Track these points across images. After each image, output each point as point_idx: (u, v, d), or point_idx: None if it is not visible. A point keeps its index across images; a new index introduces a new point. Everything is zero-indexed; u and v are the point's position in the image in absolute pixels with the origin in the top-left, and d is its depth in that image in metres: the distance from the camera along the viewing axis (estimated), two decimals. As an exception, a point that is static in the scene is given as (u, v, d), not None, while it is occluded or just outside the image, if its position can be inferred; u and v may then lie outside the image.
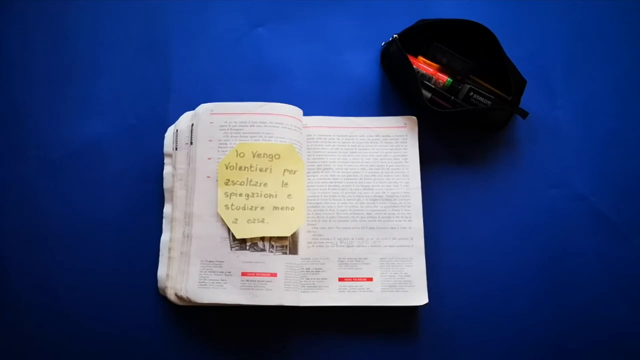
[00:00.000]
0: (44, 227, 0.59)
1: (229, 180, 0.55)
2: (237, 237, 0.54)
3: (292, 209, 0.56)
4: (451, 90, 0.61)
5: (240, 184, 0.55)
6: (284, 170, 0.56)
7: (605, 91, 0.64)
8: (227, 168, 0.55)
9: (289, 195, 0.56)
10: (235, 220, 0.55)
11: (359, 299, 0.56)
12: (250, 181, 0.56)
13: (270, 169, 0.56)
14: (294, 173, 0.57)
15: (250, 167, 0.56)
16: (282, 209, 0.56)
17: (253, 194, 0.55)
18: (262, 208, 0.55)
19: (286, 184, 0.56)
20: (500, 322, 0.58)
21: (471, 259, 0.60)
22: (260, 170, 0.56)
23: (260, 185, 0.56)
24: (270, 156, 0.56)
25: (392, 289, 0.56)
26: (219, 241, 0.55)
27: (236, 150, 0.56)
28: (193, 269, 0.54)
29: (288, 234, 0.55)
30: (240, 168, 0.56)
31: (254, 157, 0.56)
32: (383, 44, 0.63)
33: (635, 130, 0.63)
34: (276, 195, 0.56)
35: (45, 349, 0.57)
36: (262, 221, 0.55)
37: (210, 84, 0.63)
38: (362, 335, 0.58)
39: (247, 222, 0.55)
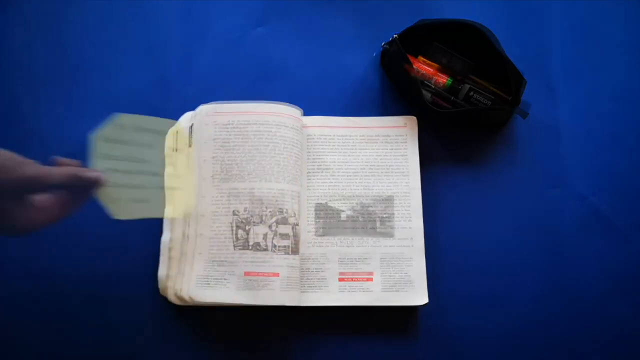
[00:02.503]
0: (44, 227, 0.59)
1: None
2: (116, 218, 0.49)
3: (177, 189, 0.55)
4: (451, 90, 0.61)
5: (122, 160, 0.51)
6: (170, 149, 0.55)
7: (605, 91, 0.64)
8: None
9: (173, 176, 0.55)
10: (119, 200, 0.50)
11: (359, 299, 0.56)
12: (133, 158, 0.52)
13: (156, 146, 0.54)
14: (177, 151, 0.56)
15: (135, 143, 0.52)
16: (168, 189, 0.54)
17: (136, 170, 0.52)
18: (145, 187, 0.52)
19: (172, 163, 0.55)
20: (500, 322, 0.58)
21: (471, 259, 0.60)
22: (145, 147, 0.53)
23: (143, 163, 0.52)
24: (157, 133, 0.54)
25: (392, 289, 0.56)
26: (220, 241, 0.55)
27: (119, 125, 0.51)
28: (193, 268, 0.54)
29: (171, 215, 0.54)
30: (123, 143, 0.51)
31: (137, 132, 0.52)
32: (383, 44, 0.63)
33: (635, 130, 0.63)
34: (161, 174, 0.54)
35: (45, 348, 0.56)
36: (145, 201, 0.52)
37: (210, 84, 0.63)
38: (362, 335, 0.58)
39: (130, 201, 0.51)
